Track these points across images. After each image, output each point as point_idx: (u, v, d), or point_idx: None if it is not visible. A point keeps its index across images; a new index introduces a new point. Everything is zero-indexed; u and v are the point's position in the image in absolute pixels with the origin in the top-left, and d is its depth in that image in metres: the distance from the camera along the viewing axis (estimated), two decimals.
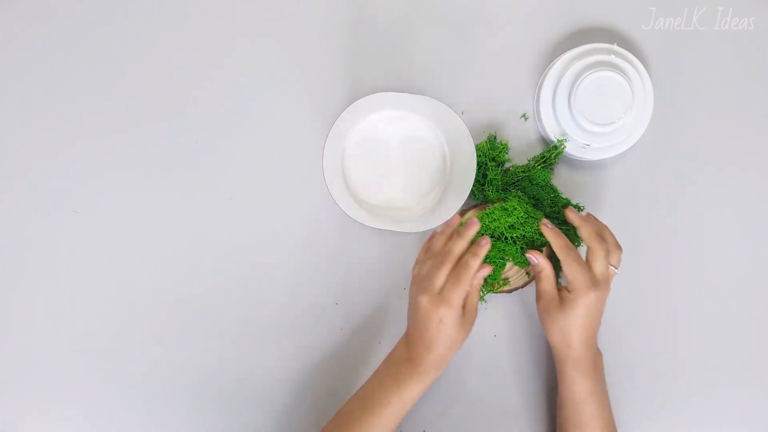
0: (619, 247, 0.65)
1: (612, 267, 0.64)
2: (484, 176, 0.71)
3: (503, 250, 0.65)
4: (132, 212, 0.75)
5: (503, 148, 0.72)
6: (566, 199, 0.72)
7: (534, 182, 0.71)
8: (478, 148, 0.72)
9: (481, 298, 0.73)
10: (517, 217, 0.65)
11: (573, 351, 0.63)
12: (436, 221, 0.70)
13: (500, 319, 0.74)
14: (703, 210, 0.73)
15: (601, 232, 0.65)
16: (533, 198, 0.70)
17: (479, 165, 0.71)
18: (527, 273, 0.71)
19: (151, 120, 0.75)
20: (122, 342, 0.75)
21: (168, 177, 0.75)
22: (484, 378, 0.74)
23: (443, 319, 0.60)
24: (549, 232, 0.64)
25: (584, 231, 0.64)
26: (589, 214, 0.68)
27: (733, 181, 0.73)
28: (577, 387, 0.64)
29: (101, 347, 0.75)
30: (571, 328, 0.63)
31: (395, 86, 0.74)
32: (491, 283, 0.68)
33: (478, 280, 0.63)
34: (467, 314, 0.62)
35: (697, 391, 0.74)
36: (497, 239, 0.66)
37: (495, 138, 0.73)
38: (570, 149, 0.70)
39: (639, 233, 0.74)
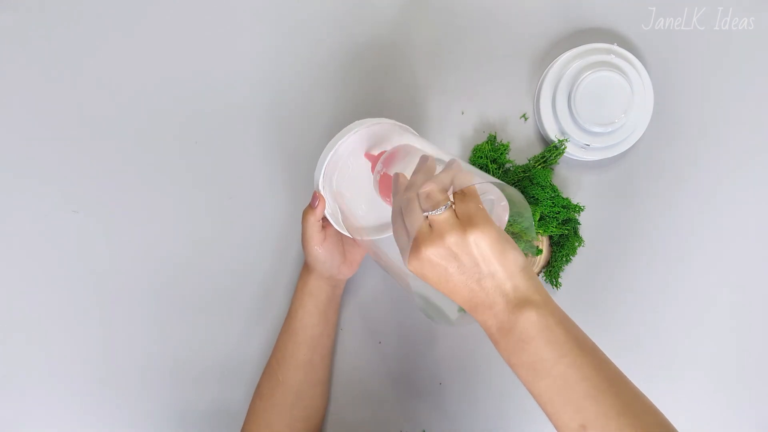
0: (428, 176, 0.49)
1: (431, 212, 0.46)
2: None
3: None
4: (132, 212, 0.75)
5: (504, 150, 0.72)
6: (566, 199, 0.72)
7: (534, 182, 0.71)
8: (478, 149, 0.72)
9: None
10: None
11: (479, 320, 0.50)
12: None
13: None
14: (704, 210, 0.73)
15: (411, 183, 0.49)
16: (533, 198, 0.70)
17: (480, 167, 0.71)
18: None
19: (150, 120, 0.75)
20: (122, 341, 0.75)
21: (168, 177, 0.75)
22: (484, 378, 0.74)
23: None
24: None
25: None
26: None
27: (734, 181, 0.73)
28: (506, 358, 0.49)
29: (101, 347, 0.75)
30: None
31: (394, 87, 0.74)
32: None
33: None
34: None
35: (696, 391, 0.74)
36: None
37: (495, 138, 0.73)
38: (570, 149, 0.70)
39: (639, 233, 0.74)
